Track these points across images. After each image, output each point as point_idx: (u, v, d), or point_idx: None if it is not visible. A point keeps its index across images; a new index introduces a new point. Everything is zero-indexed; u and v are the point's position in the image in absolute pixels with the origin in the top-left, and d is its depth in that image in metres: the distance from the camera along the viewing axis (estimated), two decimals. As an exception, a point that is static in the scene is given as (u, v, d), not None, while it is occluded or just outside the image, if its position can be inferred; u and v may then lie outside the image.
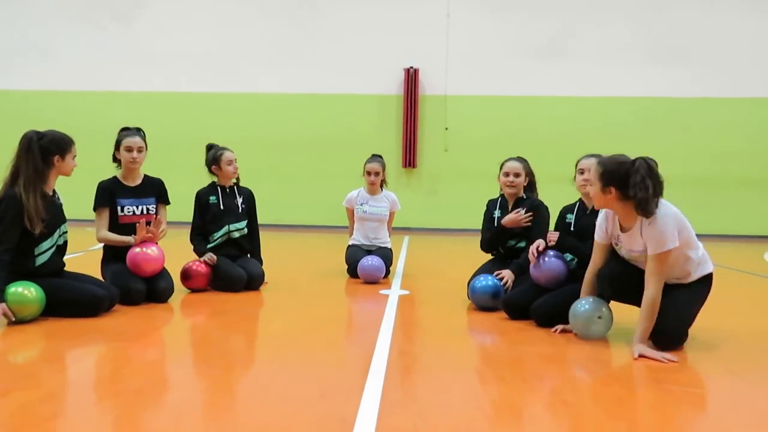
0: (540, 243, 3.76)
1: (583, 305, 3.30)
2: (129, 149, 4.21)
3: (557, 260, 3.70)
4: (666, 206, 3.04)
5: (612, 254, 3.33)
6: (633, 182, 2.95)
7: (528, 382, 2.66)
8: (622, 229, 3.18)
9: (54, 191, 3.71)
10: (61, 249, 3.72)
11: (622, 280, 3.23)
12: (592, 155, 3.76)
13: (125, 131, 4.29)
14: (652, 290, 3.00)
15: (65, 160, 3.61)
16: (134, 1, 12.39)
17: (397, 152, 11.94)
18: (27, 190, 3.45)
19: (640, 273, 3.11)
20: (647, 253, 3.03)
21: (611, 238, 3.27)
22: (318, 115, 12.10)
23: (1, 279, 3.33)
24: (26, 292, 3.40)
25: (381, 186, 5.75)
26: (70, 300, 3.56)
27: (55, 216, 3.63)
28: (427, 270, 6.38)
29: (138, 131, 4.30)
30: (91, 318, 3.55)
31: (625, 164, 3.03)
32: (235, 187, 4.93)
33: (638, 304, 3.06)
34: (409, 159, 12.06)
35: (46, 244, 3.59)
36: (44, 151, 3.54)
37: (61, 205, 3.75)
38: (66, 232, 3.76)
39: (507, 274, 4.15)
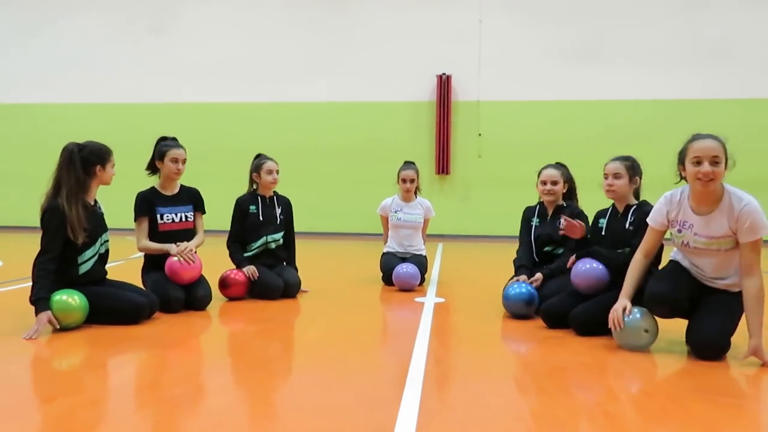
0: (573, 259, 3.75)
1: (633, 316, 3.19)
2: (175, 160, 4.28)
3: (599, 265, 3.63)
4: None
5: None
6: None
7: (569, 393, 2.61)
8: (696, 213, 3.06)
9: (96, 201, 3.80)
10: (103, 257, 3.80)
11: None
12: (617, 159, 3.70)
13: (166, 141, 4.36)
14: (756, 281, 2.91)
15: (106, 169, 3.70)
16: (170, 14, 12.66)
17: (430, 159, 11.92)
18: (69, 201, 3.53)
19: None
20: (741, 240, 2.94)
21: (672, 223, 3.15)
22: (351, 123, 12.17)
23: (46, 287, 3.42)
24: (70, 300, 3.49)
25: (415, 193, 5.73)
26: (111, 308, 3.64)
27: (96, 225, 3.71)
28: (461, 277, 6.34)
29: (177, 141, 4.39)
30: (131, 325, 3.62)
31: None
32: (275, 197, 4.96)
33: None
34: (443, 166, 12.02)
35: (88, 253, 3.67)
36: (85, 161, 3.62)
37: (102, 214, 3.83)
38: (107, 240, 3.84)
39: (537, 276, 4.10)
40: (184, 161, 4.32)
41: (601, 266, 3.62)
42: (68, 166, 3.58)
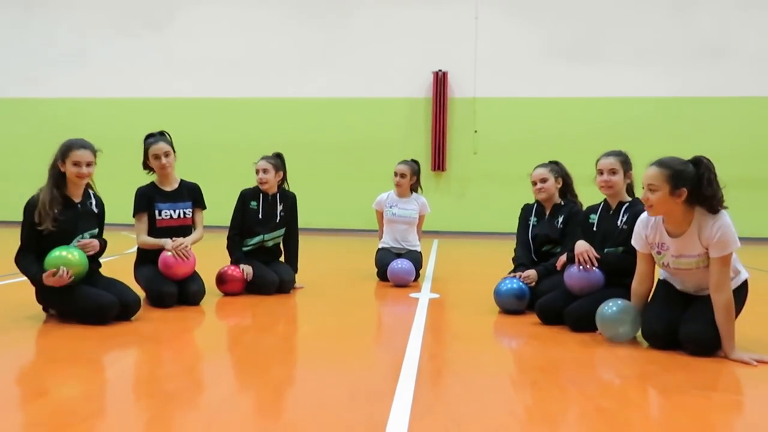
0: (562, 259, 3.79)
1: (610, 307, 3.27)
2: (156, 156, 4.25)
3: (594, 268, 3.63)
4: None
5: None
6: (707, 179, 2.91)
7: (562, 387, 2.62)
8: (671, 235, 3.09)
9: (89, 198, 3.72)
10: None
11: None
12: (610, 154, 3.69)
13: (150, 138, 4.32)
14: (725, 297, 2.93)
15: (66, 165, 3.54)
16: (167, 10, 12.61)
17: (426, 155, 11.92)
18: (45, 191, 3.52)
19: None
20: (711, 255, 2.95)
21: (652, 246, 3.19)
22: (347, 119, 12.16)
23: (37, 270, 3.44)
24: (69, 256, 3.45)
25: (411, 189, 5.73)
26: (76, 308, 3.51)
27: (75, 222, 3.61)
28: (456, 273, 6.34)
29: (162, 135, 4.32)
30: (100, 325, 3.46)
31: (689, 164, 2.98)
32: (278, 195, 4.90)
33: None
34: (439, 162, 12.02)
35: None
36: (55, 157, 3.58)
37: (92, 212, 3.73)
38: (91, 239, 3.67)
39: (531, 273, 4.11)
40: (166, 154, 4.25)
41: (595, 269, 3.63)
42: (51, 160, 3.60)
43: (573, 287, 3.67)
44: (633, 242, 3.28)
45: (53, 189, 3.54)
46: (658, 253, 3.17)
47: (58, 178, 3.57)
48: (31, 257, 3.52)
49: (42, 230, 3.47)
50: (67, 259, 3.43)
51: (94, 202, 3.77)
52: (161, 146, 4.25)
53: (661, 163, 3.00)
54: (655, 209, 3.01)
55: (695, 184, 2.93)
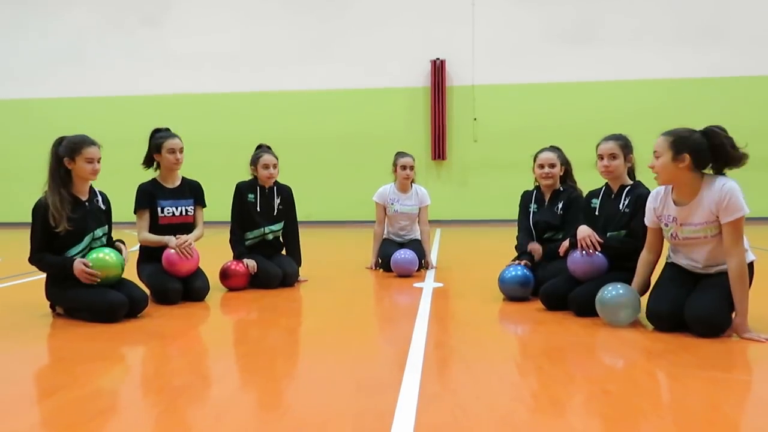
0: (565, 244, 3.79)
1: (609, 292, 3.29)
2: (172, 151, 4.25)
3: (597, 253, 3.63)
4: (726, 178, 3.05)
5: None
6: (728, 145, 2.97)
7: (568, 373, 2.63)
8: (677, 204, 3.12)
9: (95, 195, 3.74)
10: None
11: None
12: (610, 138, 3.69)
13: (161, 133, 4.32)
14: (736, 260, 2.96)
15: (76, 162, 3.55)
16: (162, 5, 12.56)
17: (426, 144, 11.90)
18: (52, 193, 3.53)
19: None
20: (722, 221, 2.98)
21: (660, 218, 3.22)
22: (346, 110, 12.14)
23: (59, 260, 3.51)
24: (107, 258, 3.54)
25: (411, 182, 5.69)
26: (86, 307, 3.53)
27: (86, 220, 3.63)
28: (459, 262, 6.35)
29: (170, 131, 4.34)
30: (111, 323, 3.50)
31: (695, 132, 3.04)
32: (275, 188, 4.91)
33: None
34: (439, 151, 12.01)
35: (74, 250, 3.59)
36: (58, 154, 3.57)
37: (101, 209, 3.75)
38: (103, 236, 3.74)
39: (536, 246, 4.11)
40: (181, 150, 4.29)
41: (599, 254, 3.63)
42: (50, 160, 3.59)
43: (576, 272, 3.67)
44: (645, 218, 3.33)
45: (61, 189, 3.55)
46: (666, 225, 3.20)
47: (64, 177, 3.58)
48: (47, 255, 3.55)
49: (59, 231, 3.50)
50: (105, 261, 3.52)
51: (100, 199, 3.79)
52: (177, 142, 4.28)
53: (667, 132, 3.09)
54: (660, 176, 3.09)
55: (699, 151, 2.99)
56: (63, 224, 3.49)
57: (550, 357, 2.84)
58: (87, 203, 3.67)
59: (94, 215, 3.69)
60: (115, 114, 12.25)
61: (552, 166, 4.29)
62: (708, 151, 3.02)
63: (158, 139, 4.28)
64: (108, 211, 3.82)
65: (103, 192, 3.85)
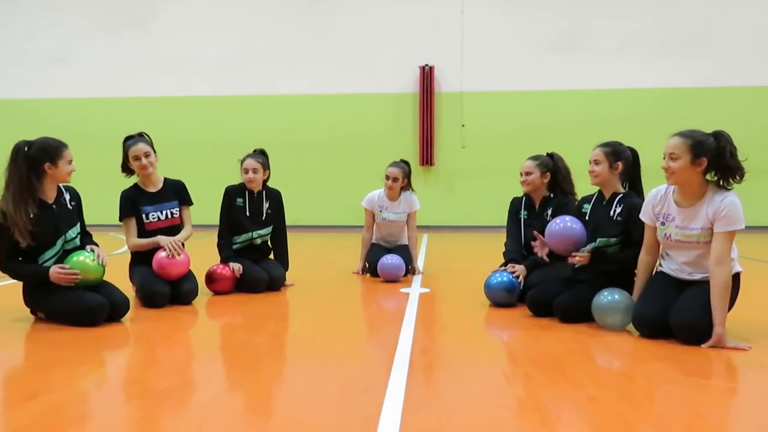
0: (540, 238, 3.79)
1: (606, 296, 3.32)
2: (136, 158, 4.19)
3: (575, 224, 3.65)
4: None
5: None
6: (730, 152, 3.01)
7: (553, 379, 2.63)
8: (679, 205, 3.16)
9: (62, 194, 3.62)
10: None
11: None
12: (599, 145, 3.71)
13: (128, 140, 4.25)
14: (724, 270, 2.98)
15: (59, 166, 3.43)
16: (150, 7, 12.50)
17: (414, 150, 11.92)
18: (16, 203, 3.33)
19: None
20: (716, 229, 3.02)
21: (657, 217, 3.25)
22: (334, 115, 12.13)
23: (33, 270, 3.44)
24: (87, 261, 3.48)
25: (405, 189, 5.62)
26: (65, 311, 3.45)
27: (56, 223, 3.52)
28: (447, 268, 6.35)
29: (141, 136, 4.25)
30: (92, 327, 3.44)
31: (710, 136, 3.08)
32: (263, 192, 4.88)
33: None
34: (427, 157, 12.03)
35: (48, 254, 3.49)
36: (33, 160, 3.38)
37: (69, 209, 3.62)
38: (76, 236, 3.62)
39: (519, 268, 4.11)
40: (146, 154, 4.18)
41: (577, 224, 3.65)
42: (14, 166, 3.36)
43: (556, 246, 3.69)
44: (641, 216, 3.36)
45: (29, 199, 3.37)
46: (663, 223, 3.23)
47: (35, 184, 3.42)
48: (19, 263, 3.47)
49: (23, 246, 3.38)
50: (86, 265, 3.45)
51: (68, 197, 3.66)
52: (140, 147, 4.18)
53: (682, 134, 3.11)
54: (675, 177, 3.10)
55: (715, 156, 3.03)
56: (26, 240, 3.36)
57: (535, 363, 2.85)
58: (54, 205, 3.55)
59: (63, 217, 3.57)
60: (103, 115, 12.13)
61: (528, 173, 4.33)
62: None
63: (125, 148, 4.24)
64: (78, 207, 3.70)
65: (71, 187, 3.70)
